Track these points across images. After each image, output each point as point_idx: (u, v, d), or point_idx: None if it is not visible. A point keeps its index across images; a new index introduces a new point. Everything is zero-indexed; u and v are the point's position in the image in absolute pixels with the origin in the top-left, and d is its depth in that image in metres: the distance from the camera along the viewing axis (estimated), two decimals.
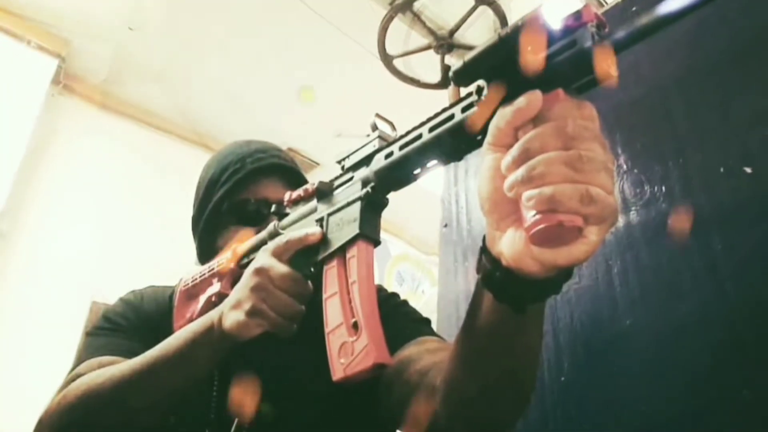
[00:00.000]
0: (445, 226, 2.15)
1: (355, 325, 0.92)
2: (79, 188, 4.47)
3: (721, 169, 1.27)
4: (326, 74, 4.69)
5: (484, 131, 0.72)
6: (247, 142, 1.48)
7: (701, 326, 1.22)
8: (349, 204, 1.03)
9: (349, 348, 0.91)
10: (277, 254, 1.07)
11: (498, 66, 0.69)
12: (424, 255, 6.90)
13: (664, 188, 1.36)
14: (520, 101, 0.66)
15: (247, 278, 1.06)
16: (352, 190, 1.04)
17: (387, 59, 3.45)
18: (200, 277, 1.32)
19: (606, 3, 2.75)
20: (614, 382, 1.34)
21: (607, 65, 0.63)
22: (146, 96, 4.93)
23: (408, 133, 0.92)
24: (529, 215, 0.62)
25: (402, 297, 1.41)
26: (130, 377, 1.11)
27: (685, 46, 1.41)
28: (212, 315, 1.10)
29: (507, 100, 0.68)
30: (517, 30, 0.65)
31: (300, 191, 1.17)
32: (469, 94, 0.79)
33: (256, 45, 4.51)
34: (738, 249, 1.21)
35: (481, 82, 0.76)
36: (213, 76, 4.78)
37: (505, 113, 0.68)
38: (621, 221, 1.42)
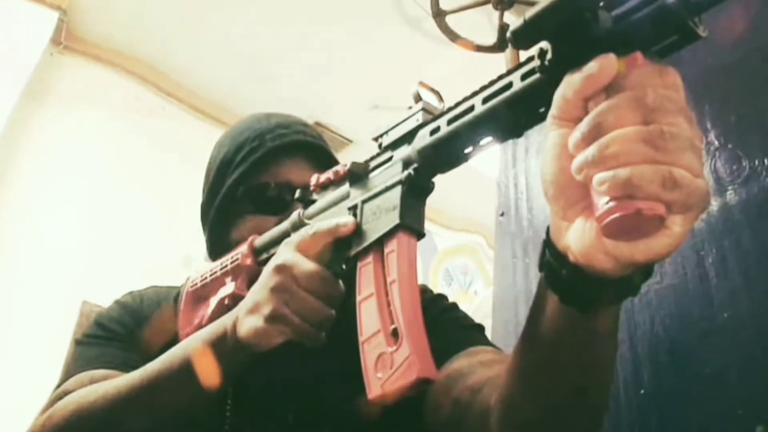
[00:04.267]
0: (502, 214, 2.15)
1: (395, 333, 0.92)
2: (67, 172, 4.47)
3: None
4: (361, 35, 4.65)
5: (548, 102, 0.72)
6: (266, 115, 1.49)
7: None
8: (387, 189, 1.03)
9: (388, 360, 0.91)
10: (303, 249, 1.07)
11: (564, 25, 0.69)
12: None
13: (766, 161, 1.35)
14: (591, 66, 0.66)
15: (267, 277, 1.06)
16: (391, 173, 1.04)
17: (439, 15, 3.43)
18: (211, 275, 1.34)
19: None
20: (705, 388, 1.33)
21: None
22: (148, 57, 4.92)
23: (457, 104, 0.93)
24: (602, 202, 0.62)
25: (450, 299, 1.41)
26: (126, 395, 1.13)
27: None
28: (225, 321, 1.11)
29: (575, 65, 0.68)
30: None
31: (329, 174, 1.18)
32: (531, 59, 0.79)
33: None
34: None
35: (544, 45, 0.75)
36: (226, 36, 4.76)
37: (573, 81, 0.68)
38: (715, 204, 1.41)
